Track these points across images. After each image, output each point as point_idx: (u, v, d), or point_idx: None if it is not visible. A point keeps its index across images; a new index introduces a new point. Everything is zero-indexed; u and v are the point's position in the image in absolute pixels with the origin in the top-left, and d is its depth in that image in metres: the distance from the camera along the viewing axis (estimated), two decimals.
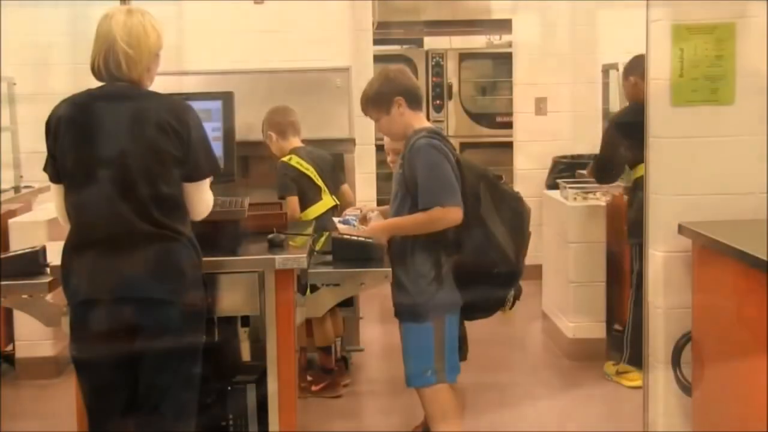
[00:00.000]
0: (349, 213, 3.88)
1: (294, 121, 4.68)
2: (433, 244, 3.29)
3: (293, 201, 4.48)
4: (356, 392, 4.80)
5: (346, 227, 3.61)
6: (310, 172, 4.56)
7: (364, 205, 4.34)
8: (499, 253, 3.33)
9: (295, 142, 4.67)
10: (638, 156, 4.68)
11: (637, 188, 4.77)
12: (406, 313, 3.36)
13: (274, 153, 4.68)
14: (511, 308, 3.49)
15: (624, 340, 4.90)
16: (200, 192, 2.82)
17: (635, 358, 4.74)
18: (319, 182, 4.58)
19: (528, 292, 3.69)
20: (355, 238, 3.34)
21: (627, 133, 4.78)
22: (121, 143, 2.66)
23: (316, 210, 4.51)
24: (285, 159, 4.57)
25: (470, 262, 3.31)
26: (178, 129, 2.70)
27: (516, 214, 3.43)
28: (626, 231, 4.80)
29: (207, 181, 2.84)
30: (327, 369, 4.73)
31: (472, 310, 3.50)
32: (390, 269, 3.20)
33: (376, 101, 3.36)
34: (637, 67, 4.87)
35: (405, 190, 3.31)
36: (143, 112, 2.70)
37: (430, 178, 3.22)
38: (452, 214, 3.21)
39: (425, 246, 3.29)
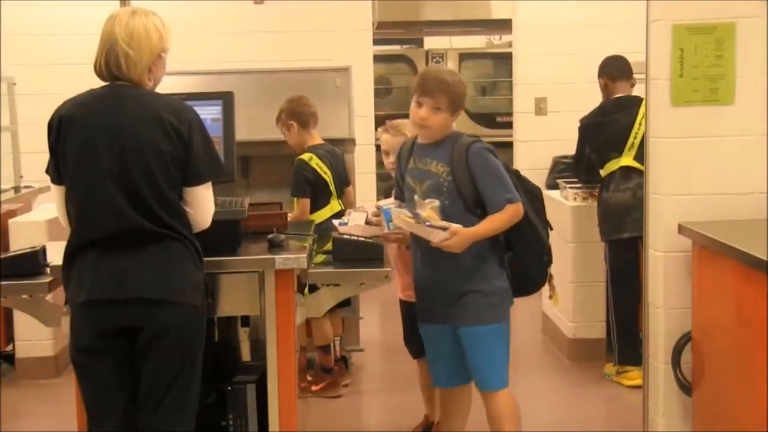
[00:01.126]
0: (383, 204, 3.47)
1: (315, 112, 4.63)
2: (497, 243, 3.30)
3: (305, 203, 4.44)
4: (356, 392, 4.79)
5: (402, 212, 3.22)
6: (328, 177, 4.52)
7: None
8: (542, 241, 3.39)
9: (316, 134, 4.63)
10: (604, 156, 4.73)
11: (603, 187, 4.79)
12: (482, 316, 3.27)
13: (291, 145, 4.62)
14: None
15: (611, 340, 4.89)
16: (199, 198, 2.78)
17: (626, 356, 4.75)
18: (332, 187, 4.55)
19: None
20: (355, 238, 3.33)
21: (592, 133, 4.81)
22: (122, 143, 2.66)
23: (322, 215, 4.47)
24: (305, 158, 4.51)
25: (524, 255, 3.35)
26: (179, 128, 2.70)
27: (539, 203, 3.46)
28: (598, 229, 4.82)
29: (206, 189, 2.81)
30: (327, 369, 4.72)
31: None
32: (390, 269, 3.20)
33: (454, 98, 3.31)
34: (605, 69, 4.90)
35: (457, 194, 3.24)
36: (144, 112, 2.70)
37: (497, 180, 3.24)
38: (521, 210, 3.26)
39: (492, 246, 3.29)
